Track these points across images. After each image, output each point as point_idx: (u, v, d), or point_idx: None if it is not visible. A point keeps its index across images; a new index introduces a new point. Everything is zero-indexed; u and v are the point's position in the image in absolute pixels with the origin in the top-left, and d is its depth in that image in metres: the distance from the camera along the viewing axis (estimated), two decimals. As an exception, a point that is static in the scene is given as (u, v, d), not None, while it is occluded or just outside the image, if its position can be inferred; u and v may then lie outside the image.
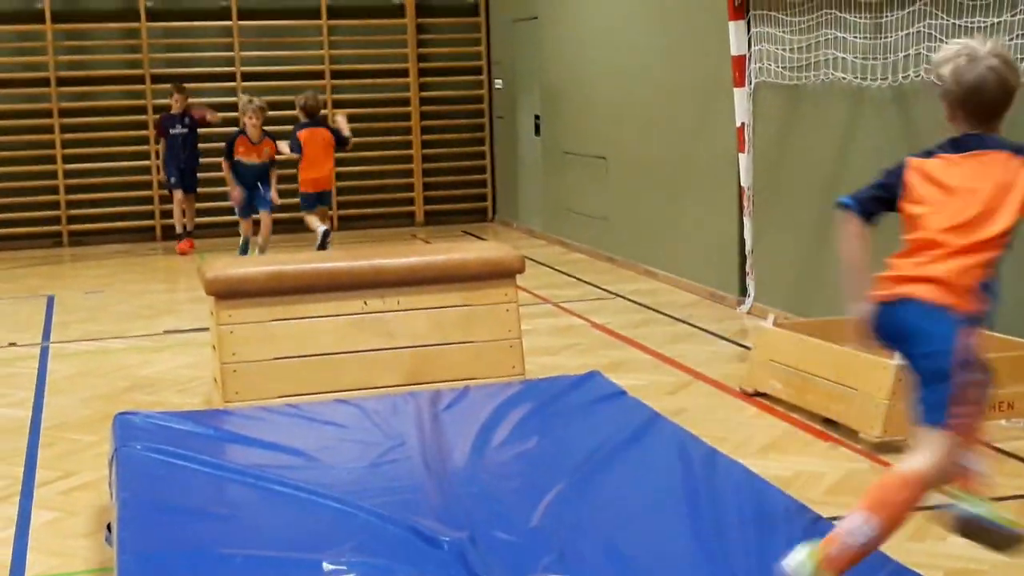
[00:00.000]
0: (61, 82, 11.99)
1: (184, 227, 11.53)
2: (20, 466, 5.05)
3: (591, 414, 4.60)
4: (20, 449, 5.29)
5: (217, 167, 10.26)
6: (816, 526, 3.39)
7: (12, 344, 7.52)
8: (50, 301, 8.97)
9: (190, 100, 11.52)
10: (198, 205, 11.77)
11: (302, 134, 9.59)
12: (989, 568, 3.75)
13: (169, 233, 12.10)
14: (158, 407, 5.43)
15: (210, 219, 11.99)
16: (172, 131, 11.29)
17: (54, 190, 12.05)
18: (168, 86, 11.62)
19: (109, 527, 3.75)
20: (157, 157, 11.80)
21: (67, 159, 12.05)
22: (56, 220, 12.11)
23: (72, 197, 12.12)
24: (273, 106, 11.54)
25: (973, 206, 3.06)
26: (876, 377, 5.02)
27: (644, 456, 4.08)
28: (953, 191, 3.10)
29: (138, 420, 4.47)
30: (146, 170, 12.24)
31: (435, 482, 3.86)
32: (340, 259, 5.97)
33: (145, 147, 12.20)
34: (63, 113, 12.01)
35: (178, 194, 11.43)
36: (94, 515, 4.40)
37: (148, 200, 12.29)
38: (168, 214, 12.12)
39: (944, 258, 3.03)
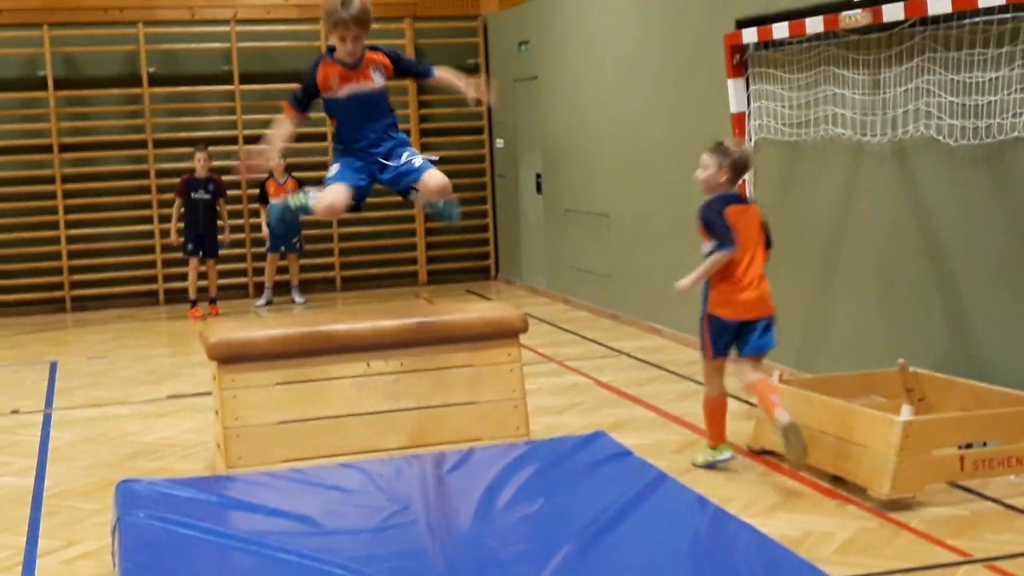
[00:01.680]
0: (63, 148, 12.06)
1: (196, 293, 11.22)
2: (23, 535, 5.01)
3: (597, 475, 4.57)
4: (23, 518, 5.25)
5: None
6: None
7: (15, 411, 7.49)
8: (53, 367, 8.95)
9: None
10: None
11: None
12: None
13: (172, 298, 12.12)
14: (161, 473, 5.40)
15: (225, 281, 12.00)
16: (193, 195, 10.87)
17: (56, 256, 12.08)
18: (190, 149, 11.43)
19: (112, 598, 3.71)
20: (170, 220, 11.39)
21: (69, 224, 12.08)
22: (59, 286, 12.12)
23: (74, 263, 12.14)
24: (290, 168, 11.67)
25: None
26: (883, 434, 4.99)
27: (651, 517, 4.04)
28: None
29: (141, 488, 4.44)
30: (149, 234, 12.26)
31: (440, 546, 3.82)
32: (343, 321, 5.97)
33: (148, 211, 12.23)
34: (65, 179, 12.07)
35: (193, 261, 11.08)
36: (97, 585, 4.36)
37: (151, 264, 12.30)
38: (171, 278, 12.16)
39: None
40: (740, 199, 5.79)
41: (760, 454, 5.76)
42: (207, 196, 10.92)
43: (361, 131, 5.44)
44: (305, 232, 12.52)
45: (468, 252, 13.32)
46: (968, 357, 5.94)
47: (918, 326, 6.33)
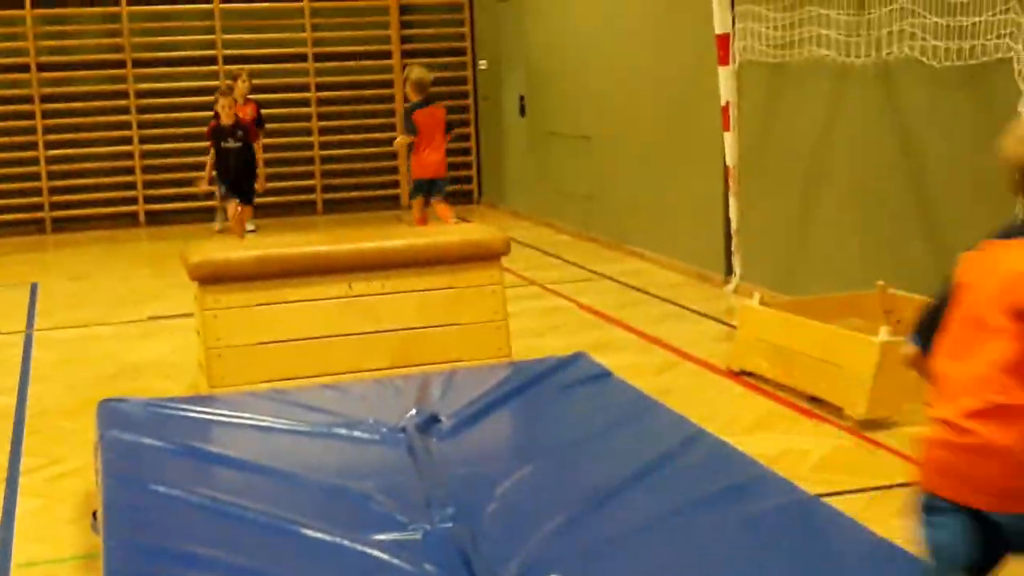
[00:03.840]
0: (42, 67, 11.91)
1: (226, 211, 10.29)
2: (5, 453, 5.04)
3: (577, 395, 4.60)
4: (5, 437, 5.27)
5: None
6: (799, 501, 3.40)
7: (-4, 331, 7.50)
8: (33, 288, 8.93)
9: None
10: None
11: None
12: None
13: (153, 219, 12.09)
14: (143, 393, 5.41)
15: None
16: (224, 145, 9.63)
17: (36, 176, 11.98)
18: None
19: (95, 514, 3.74)
20: (151, 142, 11.29)
21: (48, 145, 11.98)
22: (39, 207, 12.04)
23: (54, 183, 12.05)
24: (256, 89, 11.57)
25: None
26: (861, 354, 5.03)
27: (629, 436, 4.08)
28: None
29: (123, 406, 4.45)
30: (128, 155, 12.17)
31: (420, 465, 3.85)
32: (325, 243, 5.95)
33: (127, 132, 12.13)
34: (44, 99, 11.94)
35: (232, 203, 9.80)
36: (80, 502, 4.39)
37: (131, 186, 12.23)
38: (152, 199, 12.14)
39: None
40: None
41: (739, 375, 5.81)
42: (238, 144, 9.66)
43: None
44: (287, 154, 12.47)
45: (451, 175, 13.22)
46: (947, 279, 5.96)
47: (898, 248, 6.36)
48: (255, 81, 11.52)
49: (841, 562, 2.95)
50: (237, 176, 9.69)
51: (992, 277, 2.42)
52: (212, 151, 9.72)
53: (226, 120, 9.59)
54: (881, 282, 5.99)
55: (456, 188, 13.24)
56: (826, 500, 3.60)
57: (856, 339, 5.14)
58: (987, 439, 2.29)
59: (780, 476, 3.68)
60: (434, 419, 4.28)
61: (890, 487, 4.29)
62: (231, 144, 9.62)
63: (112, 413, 4.35)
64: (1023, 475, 2.28)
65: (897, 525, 3.86)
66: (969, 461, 2.32)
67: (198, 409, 4.47)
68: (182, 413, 4.41)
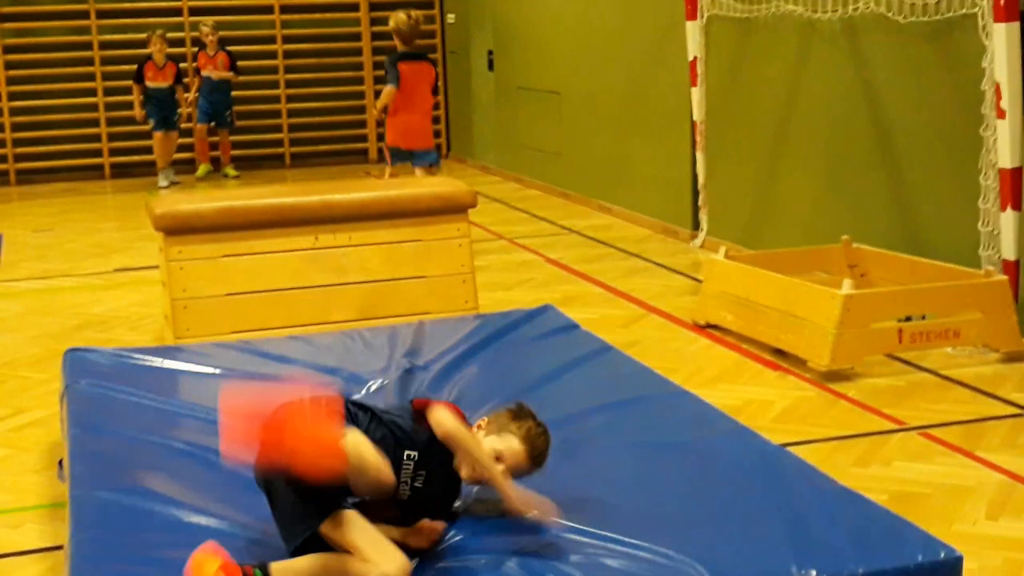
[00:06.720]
0: (3, 18, 11.75)
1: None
2: (-30, 404, 5.02)
3: (544, 346, 4.63)
4: (-31, 387, 5.25)
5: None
6: (761, 450, 3.44)
7: (-40, 283, 7.44)
8: (-2, 240, 8.88)
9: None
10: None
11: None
12: (932, 492, 3.82)
13: (119, 172, 12.02)
14: (109, 344, 5.39)
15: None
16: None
17: (0, 128, 11.85)
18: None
19: (61, 463, 3.74)
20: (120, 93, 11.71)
21: (12, 96, 11.84)
22: (3, 158, 11.91)
23: (18, 135, 11.92)
24: (225, 41, 11.51)
25: None
26: (824, 307, 5.08)
27: (593, 384, 4.12)
28: None
29: (89, 356, 4.44)
30: (93, 107, 12.05)
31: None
32: (291, 194, 5.93)
33: (92, 84, 12.00)
34: (7, 49, 11.78)
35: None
36: (45, 451, 4.38)
37: (96, 138, 12.12)
38: (117, 151, 12.06)
39: None
40: None
41: (705, 328, 5.85)
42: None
43: None
44: (254, 107, 12.40)
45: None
46: (911, 233, 6.03)
47: (863, 203, 6.40)
48: (224, 33, 11.55)
49: (803, 508, 3.00)
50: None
51: None
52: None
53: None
54: (846, 236, 6.04)
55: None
56: (789, 449, 3.64)
57: (820, 292, 5.19)
58: None
59: (743, 425, 3.72)
60: (401, 369, 4.30)
61: (852, 437, 4.35)
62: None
63: (78, 362, 4.35)
64: None
65: (857, 473, 3.93)
66: None
67: (163, 359, 4.46)
68: (148, 363, 4.40)
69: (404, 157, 7.68)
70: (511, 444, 2.94)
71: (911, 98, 6.01)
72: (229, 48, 11.60)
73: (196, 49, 11.54)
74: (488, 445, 2.93)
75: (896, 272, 5.74)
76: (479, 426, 3.01)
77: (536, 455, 2.97)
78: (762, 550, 2.80)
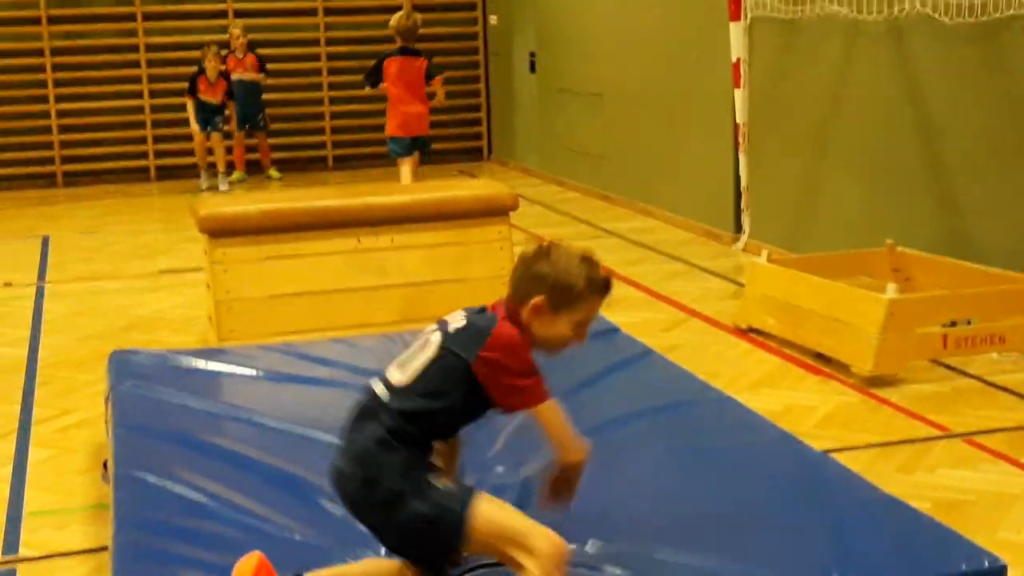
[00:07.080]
0: (52, 20, 11.88)
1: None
2: (17, 404, 5.08)
3: (584, 350, 4.56)
4: (17, 387, 5.31)
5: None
6: (803, 456, 3.42)
7: (7, 284, 7.52)
8: (45, 241, 8.96)
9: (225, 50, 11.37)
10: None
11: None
12: (977, 499, 3.78)
13: (164, 174, 12.11)
14: (154, 346, 5.45)
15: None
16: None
17: (47, 130, 11.98)
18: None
19: (105, 464, 3.78)
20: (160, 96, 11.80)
21: (59, 98, 11.96)
22: (50, 160, 12.05)
23: (66, 137, 12.05)
24: (266, 43, 11.59)
25: None
26: (868, 311, 5.04)
27: (634, 388, 4.10)
28: None
29: (134, 358, 4.48)
30: (139, 109, 12.16)
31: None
32: (334, 197, 5.97)
33: (138, 86, 12.11)
34: (54, 52, 11.92)
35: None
36: (91, 452, 4.43)
37: (142, 140, 12.22)
38: (163, 154, 12.14)
39: None
40: None
41: (747, 332, 5.82)
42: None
43: None
44: (297, 109, 12.47)
45: (460, 132, 13.22)
46: (956, 237, 5.97)
47: (908, 207, 6.35)
48: (266, 36, 11.65)
49: (845, 516, 2.97)
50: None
51: None
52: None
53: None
54: (890, 240, 5.99)
55: (466, 145, 13.24)
56: (831, 455, 3.62)
57: (864, 296, 5.15)
58: None
59: (785, 431, 3.70)
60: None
61: (895, 443, 4.32)
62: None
63: (123, 364, 4.39)
64: None
65: (900, 480, 3.90)
66: None
67: (208, 361, 4.50)
68: (192, 365, 4.44)
69: (406, 146, 8.57)
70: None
71: (957, 100, 5.95)
72: (258, 51, 11.61)
73: (225, 52, 11.50)
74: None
75: (941, 276, 5.69)
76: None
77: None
78: (804, 558, 2.79)
